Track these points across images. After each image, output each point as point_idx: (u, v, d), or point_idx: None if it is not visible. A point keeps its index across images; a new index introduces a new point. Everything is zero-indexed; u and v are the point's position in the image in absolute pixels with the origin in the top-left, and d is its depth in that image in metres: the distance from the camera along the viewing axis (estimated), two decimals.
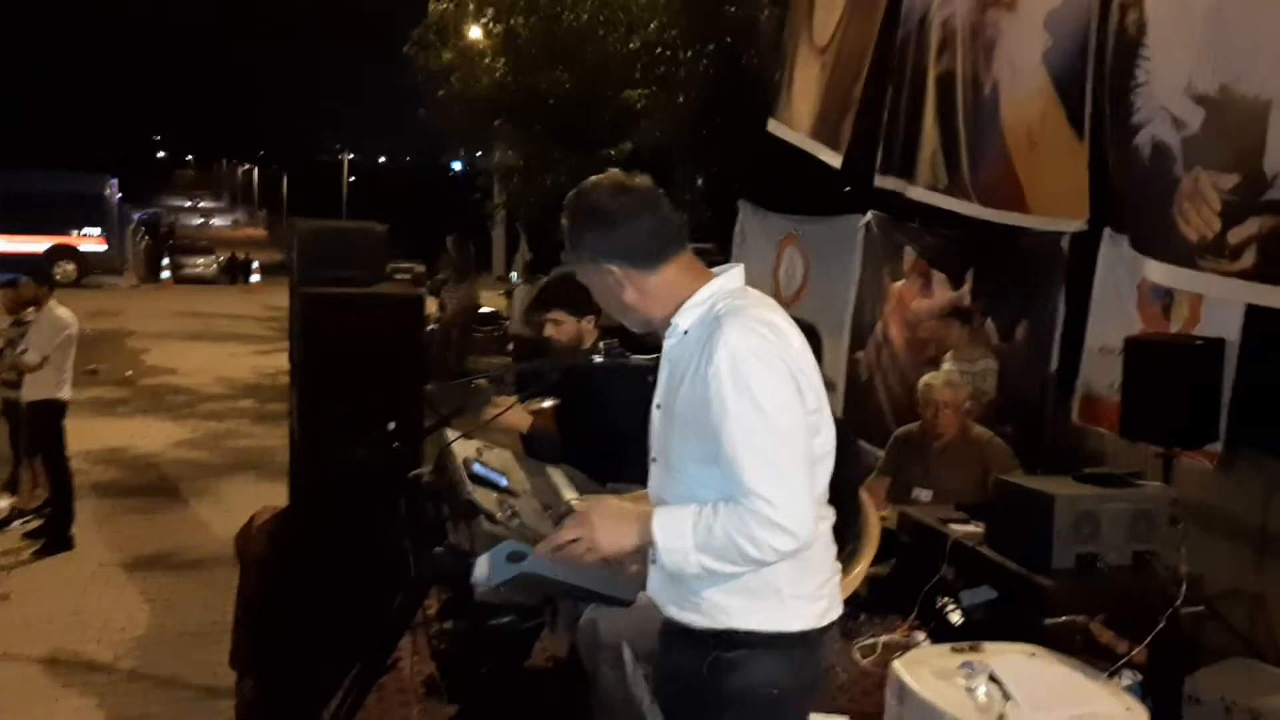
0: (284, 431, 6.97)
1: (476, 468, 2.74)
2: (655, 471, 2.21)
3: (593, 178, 2.23)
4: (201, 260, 32.61)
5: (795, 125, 9.82)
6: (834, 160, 8.98)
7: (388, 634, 2.79)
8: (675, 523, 2.03)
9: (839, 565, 2.22)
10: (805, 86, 9.71)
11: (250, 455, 9.82)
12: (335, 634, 3.65)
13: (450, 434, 2.91)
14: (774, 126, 10.31)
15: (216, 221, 71.83)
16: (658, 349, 2.28)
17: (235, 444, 10.40)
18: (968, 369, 6.64)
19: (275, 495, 6.28)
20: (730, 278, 2.18)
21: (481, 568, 2.32)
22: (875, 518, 3.85)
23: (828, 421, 2.14)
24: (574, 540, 2.11)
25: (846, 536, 3.80)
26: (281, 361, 8.17)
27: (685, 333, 2.14)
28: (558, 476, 3.08)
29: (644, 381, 2.43)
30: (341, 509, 4.06)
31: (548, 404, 3.89)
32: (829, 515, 2.18)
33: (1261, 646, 5.05)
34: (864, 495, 3.98)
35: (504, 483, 2.75)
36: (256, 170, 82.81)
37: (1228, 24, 5.02)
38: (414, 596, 2.68)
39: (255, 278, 29.89)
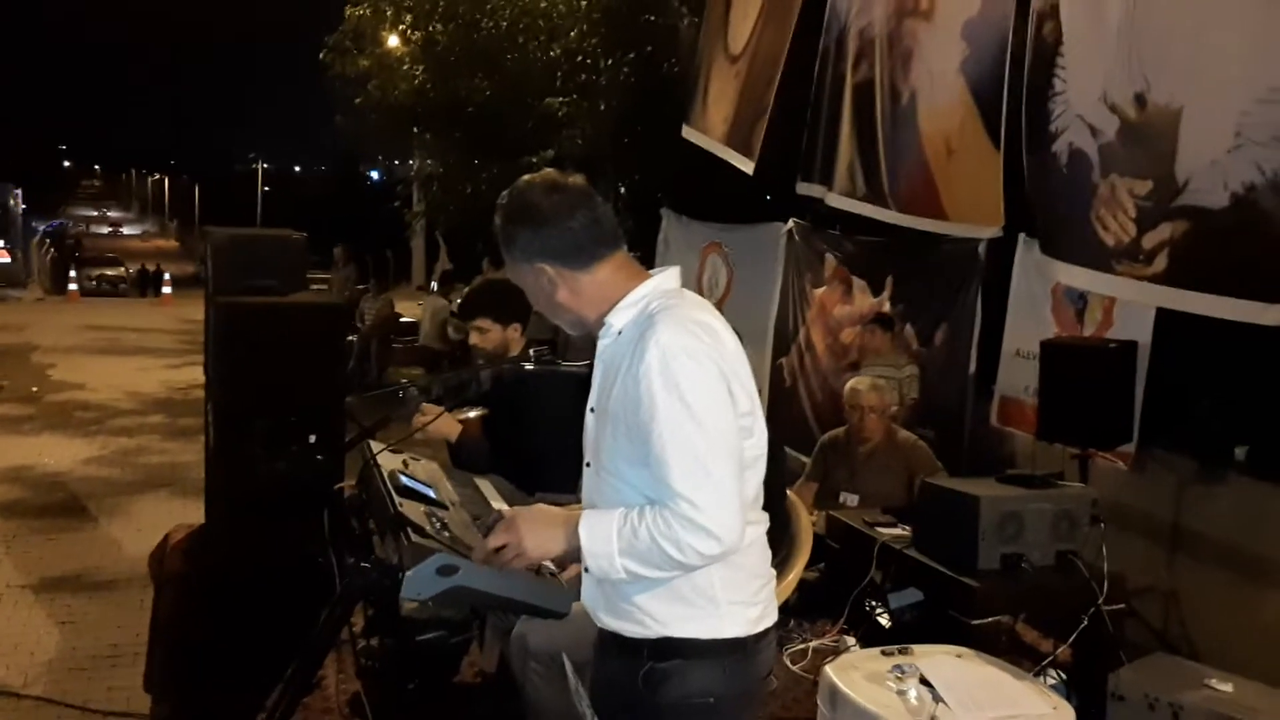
0: (198, 447, 6.77)
1: (403, 480, 2.69)
2: (588, 475, 2.18)
3: (526, 176, 2.21)
4: (110, 272, 31.78)
5: (710, 132, 9.88)
6: (746, 166, 9.05)
7: (312, 652, 2.70)
8: (600, 527, 2.01)
9: (774, 571, 2.21)
10: (720, 94, 9.77)
11: (163, 472, 9.54)
12: (257, 654, 3.55)
13: (375, 446, 2.85)
14: (688, 133, 10.36)
15: (126, 232, 70.08)
16: (589, 357, 2.25)
17: (147, 460, 10.09)
18: (892, 375, 6.72)
19: (189, 513, 6.11)
20: (666, 278, 2.16)
21: (411, 582, 2.27)
22: (808, 522, 3.86)
23: (760, 425, 2.12)
24: (503, 547, 2.08)
25: (781, 541, 3.80)
26: (194, 375, 7.98)
27: (619, 332, 2.12)
28: (486, 487, 3.04)
29: (575, 389, 2.40)
30: (262, 525, 3.94)
31: (475, 413, 3.84)
32: (763, 520, 2.16)
33: (1175, 641, 5.18)
34: (796, 499, 3.99)
35: (432, 494, 2.70)
36: (167, 180, 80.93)
37: (1140, 34, 5.15)
38: (339, 613, 2.60)
39: (166, 290, 29.13)
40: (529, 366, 2.81)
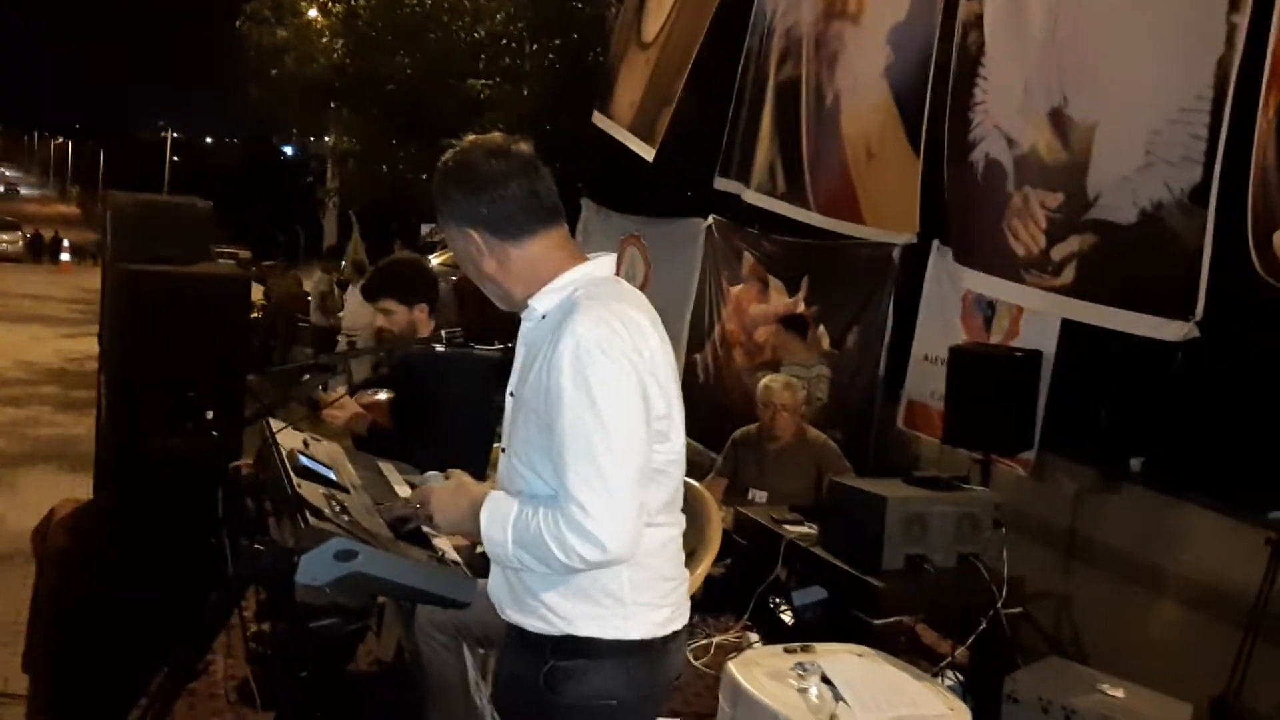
0: (91, 420, 6.51)
1: (303, 460, 2.59)
2: (503, 461, 2.12)
3: (474, 136, 2.13)
4: (5, 237, 30.61)
5: (617, 118, 9.86)
6: (646, 153, 9.04)
7: (200, 635, 2.60)
8: (499, 513, 1.97)
9: (687, 573, 2.16)
10: (628, 80, 9.75)
11: (52, 445, 9.19)
12: (142, 636, 3.42)
13: (275, 424, 2.75)
14: (598, 119, 10.32)
15: (24, 194, 67.54)
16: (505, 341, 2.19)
17: (36, 432, 9.71)
18: (803, 374, 6.76)
19: (79, 488, 5.86)
20: (599, 265, 2.08)
21: (308, 566, 2.18)
22: (717, 518, 3.85)
23: (678, 428, 2.06)
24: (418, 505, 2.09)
25: (689, 536, 3.78)
26: (90, 346, 7.65)
27: (543, 316, 2.04)
28: (390, 471, 2.95)
29: (487, 373, 2.33)
30: (153, 502, 3.79)
31: (384, 395, 3.74)
32: (678, 523, 2.12)
33: (1067, 645, 5.30)
34: (707, 495, 3.97)
35: (332, 476, 2.61)
36: (71, 144, 78.20)
37: (1061, 49, 5.24)
38: (230, 596, 2.51)
39: (65, 257, 28.16)
40: (439, 348, 2.73)
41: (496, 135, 2.13)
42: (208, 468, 3.05)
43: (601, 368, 1.89)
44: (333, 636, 3.46)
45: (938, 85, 6.32)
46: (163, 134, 62.14)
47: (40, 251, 30.73)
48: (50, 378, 12.33)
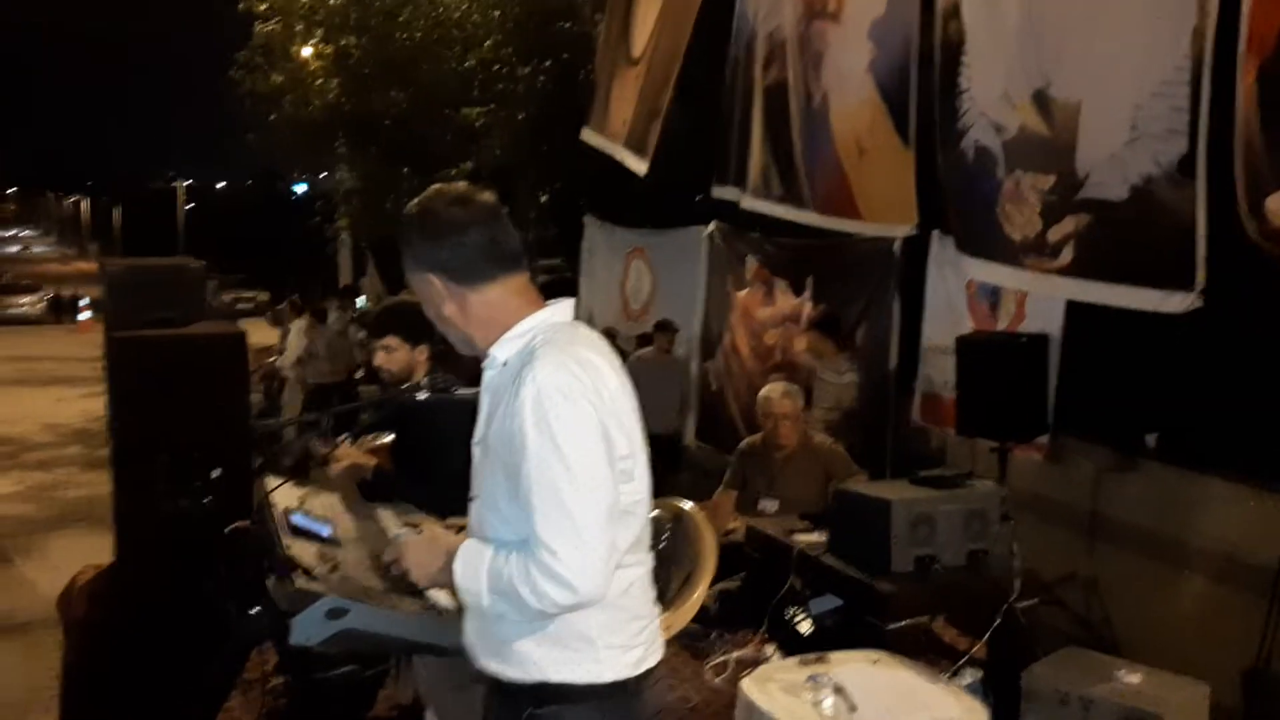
0: None
1: (296, 519, 2.61)
2: (473, 508, 2.14)
3: (439, 185, 2.19)
4: (25, 300, 30.96)
5: (610, 134, 9.90)
6: (639, 167, 9.08)
7: (208, 698, 2.63)
8: (472, 563, 1.99)
9: (658, 609, 2.17)
10: (621, 96, 9.80)
11: (80, 506, 9.26)
12: (164, 699, 3.44)
13: (271, 482, 2.77)
14: (587, 135, 10.36)
15: (42, 254, 68.40)
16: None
17: (64, 495, 9.81)
18: (835, 380, 6.77)
19: (107, 548, 5.93)
20: (557, 311, 2.11)
21: (299, 628, 2.21)
22: (711, 538, 3.84)
23: (641, 468, 2.07)
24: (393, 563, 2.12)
25: (683, 559, 3.78)
26: None
27: (504, 364, 2.07)
28: (388, 519, 2.96)
29: (471, 415, 2.34)
30: (168, 564, 3.83)
31: (387, 439, 3.76)
32: (645, 562, 2.12)
33: (1098, 626, 5.25)
34: (698, 515, 3.97)
35: (325, 533, 2.63)
36: (87, 202, 79.07)
37: (1037, 31, 5.23)
38: (233, 658, 2.52)
39: (84, 315, 28.41)
40: (422, 396, 2.75)
41: (460, 184, 2.19)
42: (215, 528, 3.07)
43: (563, 412, 1.91)
44: (351, 684, 3.48)
45: (923, 77, 6.32)
46: (174, 183, 62.66)
47: (61, 311, 31.06)
48: (75, 438, 12.46)
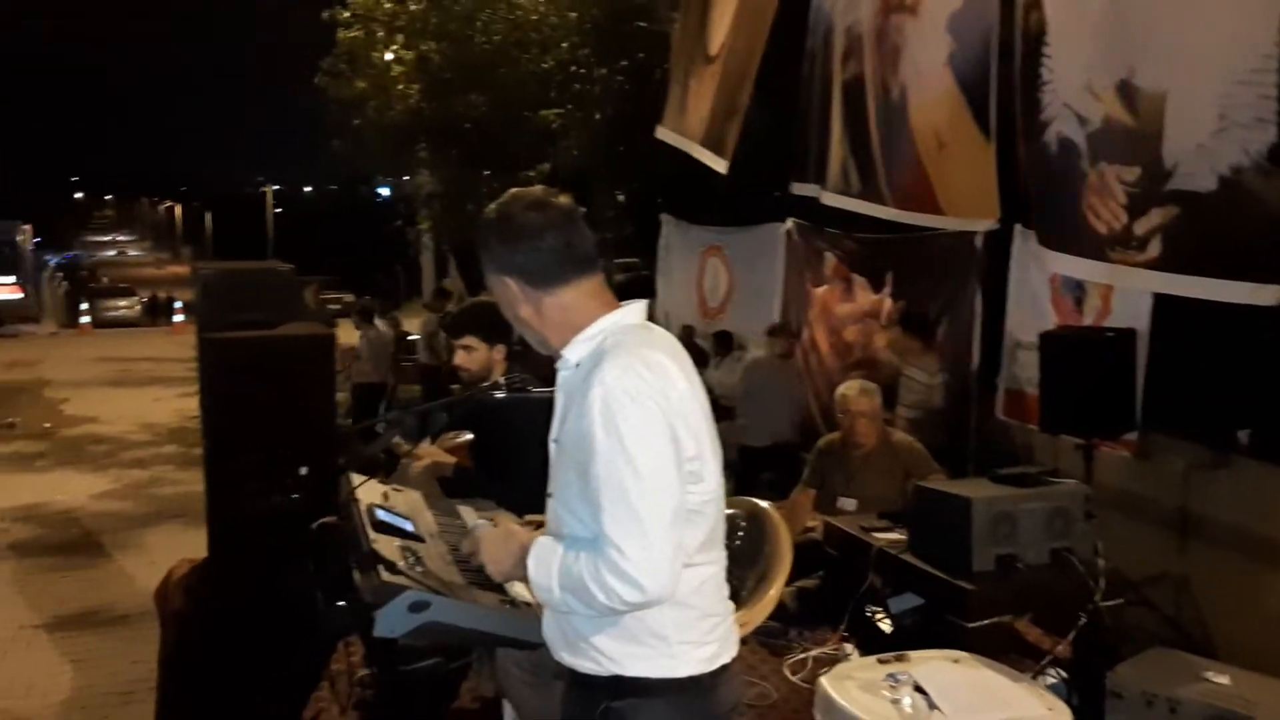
0: None
1: (380, 514, 2.68)
2: (549, 505, 2.18)
3: (516, 190, 2.22)
4: (123, 303, 31.96)
5: (687, 132, 9.90)
6: (719, 166, 9.06)
7: (297, 687, 2.71)
8: (545, 560, 2.02)
9: (732, 606, 2.19)
10: (698, 94, 9.79)
11: (175, 503, 9.58)
12: (257, 689, 3.55)
13: (356, 479, 2.85)
14: (662, 133, 10.37)
15: (138, 258, 70.57)
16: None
17: (160, 492, 10.15)
18: (924, 380, 6.71)
19: (202, 543, 6.13)
20: (628, 313, 2.14)
21: (383, 620, 2.27)
22: (787, 537, 3.83)
23: (710, 468, 2.09)
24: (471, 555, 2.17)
25: (758, 558, 3.78)
26: None
27: (576, 365, 2.11)
28: (468, 515, 3.03)
29: (546, 414, 2.39)
30: (259, 559, 3.95)
31: (466, 437, 3.83)
32: (717, 560, 2.14)
33: (1189, 627, 5.13)
34: (773, 513, 3.96)
35: (409, 528, 2.69)
36: (179, 207, 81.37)
37: (1122, 21, 5.13)
38: (320, 651, 2.60)
39: (178, 318, 29.27)
40: (499, 395, 2.80)
41: (538, 188, 2.21)
42: (303, 523, 3.16)
43: (630, 413, 1.94)
44: (434, 677, 3.55)
45: (1002, 69, 6.23)
46: (263, 189, 64.15)
47: (156, 313, 32.02)
48: (171, 437, 12.86)
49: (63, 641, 6.35)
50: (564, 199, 2.17)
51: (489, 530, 2.23)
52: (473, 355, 3.85)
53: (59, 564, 7.87)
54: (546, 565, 2.01)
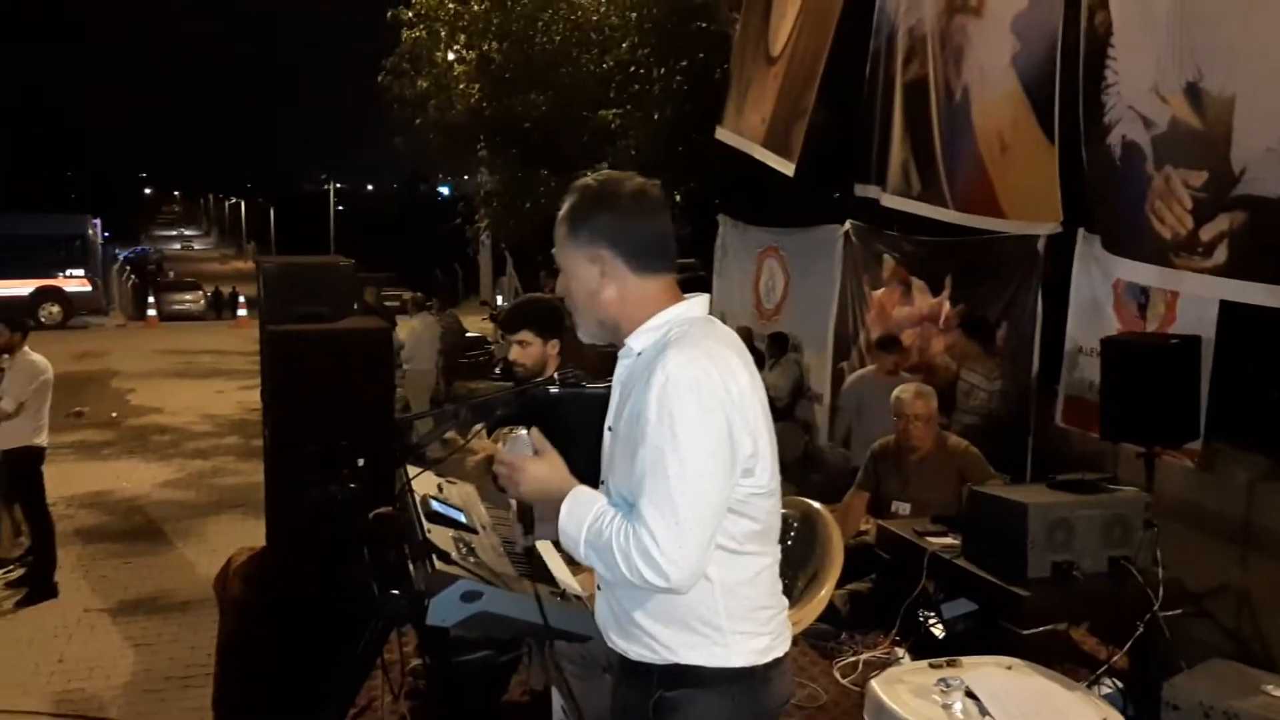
0: None
1: (434, 505, 2.72)
2: (602, 493, 2.19)
3: (614, 171, 2.22)
4: (188, 296, 32.54)
5: (748, 134, 9.85)
6: (786, 168, 9.00)
7: (352, 677, 2.75)
8: (579, 510, 2.04)
9: (785, 601, 2.18)
10: (759, 96, 9.75)
11: (236, 493, 9.76)
12: (314, 677, 3.60)
13: (411, 470, 2.88)
14: (722, 134, 10.33)
15: (206, 255, 71.90)
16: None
17: (221, 482, 10.34)
18: (985, 386, 6.63)
19: (261, 533, 6.25)
20: (693, 306, 2.14)
21: (436, 609, 2.31)
22: (838, 538, 3.81)
23: (765, 464, 2.08)
24: (505, 464, 2.15)
25: (809, 558, 3.76)
26: None
27: (639, 354, 2.11)
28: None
29: (600, 410, 2.40)
30: (313, 548, 4.00)
31: (521, 431, 3.86)
32: (773, 552, 2.14)
33: (1249, 641, 5.03)
34: (827, 516, 3.94)
35: (462, 519, 2.73)
36: (244, 204, 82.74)
37: (1190, 22, 5.03)
38: (375, 639, 2.64)
39: (242, 312, 29.75)
40: (554, 390, 2.82)
41: (635, 174, 2.19)
42: (360, 513, 3.21)
43: (687, 403, 1.94)
44: (485, 669, 3.59)
45: (1067, 70, 6.15)
46: (325, 186, 65.03)
47: (220, 307, 32.57)
48: (232, 429, 13.09)
49: (125, 625, 6.51)
50: (659, 190, 2.18)
51: (530, 459, 2.17)
52: (528, 350, 3.89)
53: (122, 550, 8.05)
54: (579, 517, 2.02)
